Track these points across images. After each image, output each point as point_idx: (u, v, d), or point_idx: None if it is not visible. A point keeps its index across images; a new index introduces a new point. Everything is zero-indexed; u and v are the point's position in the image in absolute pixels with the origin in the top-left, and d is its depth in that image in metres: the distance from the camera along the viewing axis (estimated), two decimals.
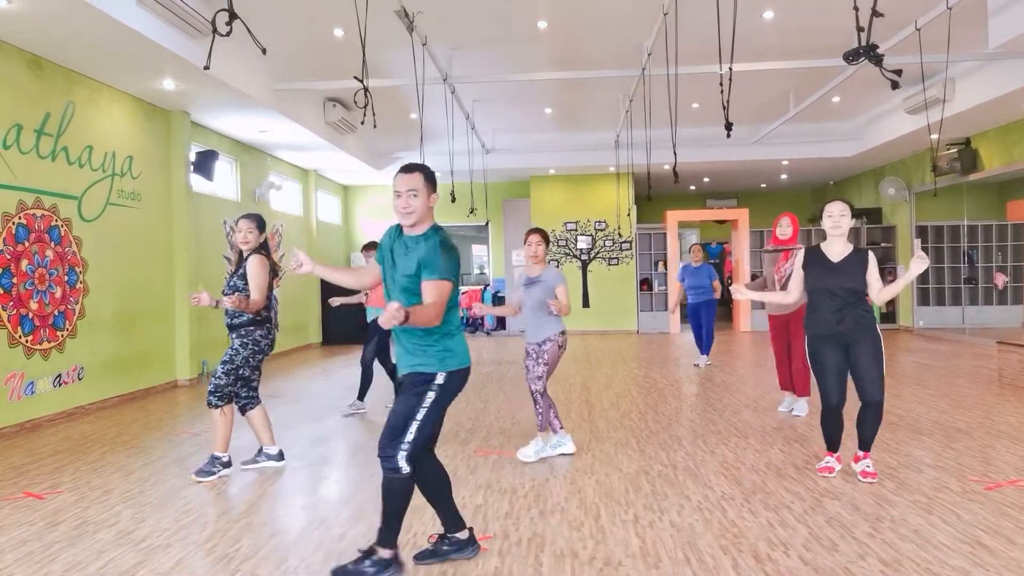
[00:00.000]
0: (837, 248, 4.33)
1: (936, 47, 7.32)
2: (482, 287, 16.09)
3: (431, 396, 3.09)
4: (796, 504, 3.94)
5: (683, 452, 5.13)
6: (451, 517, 3.31)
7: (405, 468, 3.05)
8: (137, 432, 6.27)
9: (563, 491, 4.29)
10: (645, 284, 15.37)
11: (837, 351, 4.28)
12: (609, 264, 15.24)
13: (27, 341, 6.50)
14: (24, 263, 6.50)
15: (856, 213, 15.06)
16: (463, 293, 15.75)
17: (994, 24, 7.06)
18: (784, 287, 6.10)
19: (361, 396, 6.93)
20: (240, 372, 4.77)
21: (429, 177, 3.13)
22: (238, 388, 4.86)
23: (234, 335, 4.76)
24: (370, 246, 7.16)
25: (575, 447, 5.15)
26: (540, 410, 4.97)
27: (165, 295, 8.78)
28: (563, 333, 4.98)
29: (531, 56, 8.84)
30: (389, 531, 3.10)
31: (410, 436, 3.05)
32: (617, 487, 4.34)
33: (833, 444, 4.51)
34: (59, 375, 6.90)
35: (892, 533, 3.48)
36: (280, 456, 5.04)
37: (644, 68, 8.28)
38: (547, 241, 5.07)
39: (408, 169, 3.14)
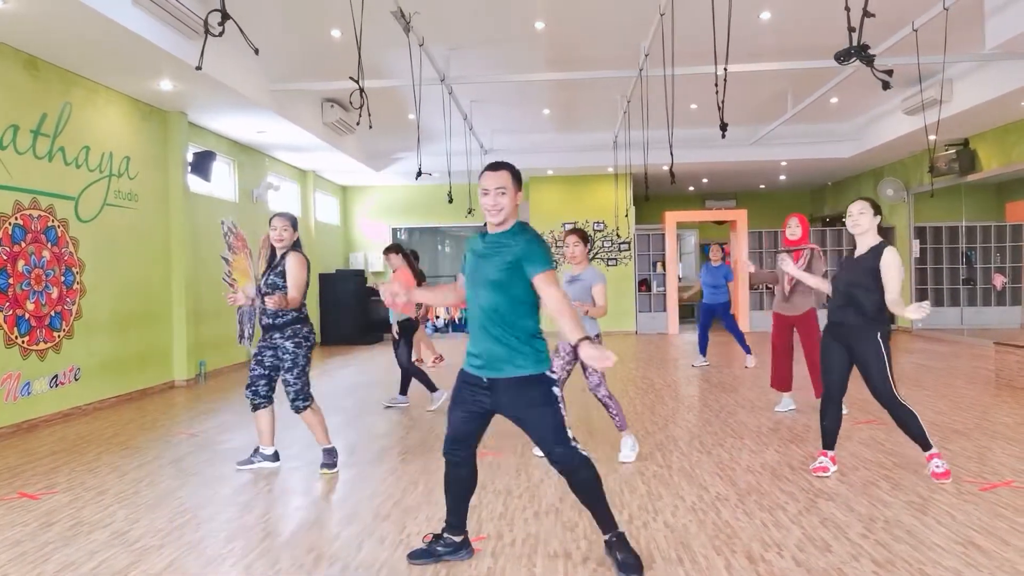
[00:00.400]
0: (862, 244, 4.34)
1: (933, 48, 7.32)
2: None
3: (556, 391, 3.09)
4: (790, 505, 3.94)
5: (679, 453, 5.12)
6: (458, 520, 3.30)
7: (584, 452, 3.09)
8: (133, 433, 6.27)
9: (558, 492, 4.28)
10: (644, 285, 15.37)
11: (839, 344, 4.34)
12: (608, 265, 15.24)
13: (23, 342, 6.50)
14: (20, 264, 6.49)
15: None
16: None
17: (991, 25, 7.06)
18: (793, 288, 6.22)
19: (403, 391, 7.13)
20: (307, 370, 4.82)
21: (516, 175, 3.12)
22: (260, 386, 4.85)
23: (278, 335, 4.74)
24: (392, 249, 7.18)
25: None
26: (615, 412, 4.89)
27: (162, 296, 8.78)
28: (598, 335, 4.89)
29: (529, 57, 8.84)
30: (608, 517, 3.14)
31: (568, 431, 3.07)
32: (612, 488, 4.33)
33: (829, 442, 4.51)
34: (55, 376, 6.89)
35: (886, 534, 3.47)
36: (275, 457, 5.05)
37: (641, 69, 8.28)
38: (585, 240, 5.03)
39: (495, 167, 3.11)
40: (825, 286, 4.75)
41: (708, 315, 9.64)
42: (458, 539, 3.31)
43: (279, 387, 4.93)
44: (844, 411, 6.14)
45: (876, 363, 4.20)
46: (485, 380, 3.08)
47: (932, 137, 11.08)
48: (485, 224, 3.19)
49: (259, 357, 4.83)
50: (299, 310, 4.80)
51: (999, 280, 13.71)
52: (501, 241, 3.09)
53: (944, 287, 13.95)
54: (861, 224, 4.30)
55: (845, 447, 5.13)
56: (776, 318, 6.43)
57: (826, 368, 4.41)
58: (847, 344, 4.31)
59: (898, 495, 4.05)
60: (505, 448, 5.32)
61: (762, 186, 17.84)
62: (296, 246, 4.87)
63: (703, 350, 9.73)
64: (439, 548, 3.29)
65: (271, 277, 4.76)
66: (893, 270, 4.13)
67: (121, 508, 4.19)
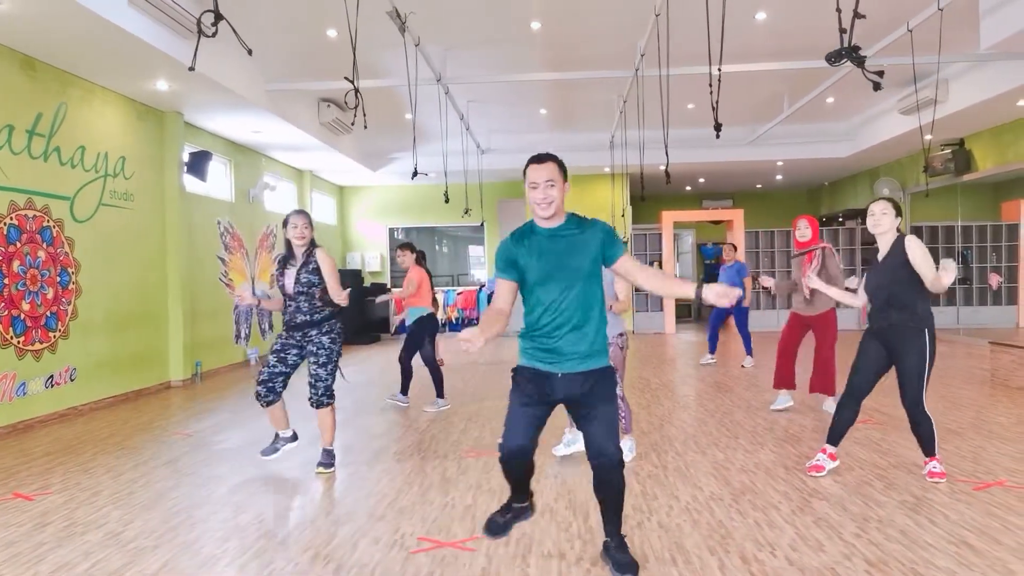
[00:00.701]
0: (883, 243, 4.33)
1: (929, 48, 7.34)
2: (477, 288, 16.08)
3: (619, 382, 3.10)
4: (784, 504, 3.95)
5: (674, 453, 5.13)
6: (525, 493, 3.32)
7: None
8: (129, 433, 6.27)
9: (553, 492, 4.29)
10: None
11: (877, 345, 4.32)
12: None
13: (19, 342, 6.49)
14: (16, 264, 6.49)
15: (851, 214, 15.21)
16: (459, 294, 15.77)
17: (986, 25, 7.08)
18: (814, 289, 6.04)
19: (439, 393, 7.05)
20: (338, 363, 4.90)
21: (562, 165, 3.05)
22: (279, 383, 4.85)
23: (314, 331, 4.78)
24: (405, 247, 7.18)
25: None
26: (624, 414, 4.90)
27: (158, 296, 8.77)
28: (622, 335, 4.88)
29: (525, 57, 8.85)
30: (620, 518, 3.16)
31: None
32: None
33: (835, 437, 4.47)
34: (51, 376, 6.89)
35: (879, 533, 3.48)
36: (295, 437, 5.17)
37: (637, 69, 8.29)
38: None
39: (540, 159, 3.03)
40: (847, 297, 4.67)
41: (720, 314, 9.64)
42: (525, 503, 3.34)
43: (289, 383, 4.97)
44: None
45: (918, 363, 4.18)
46: (560, 375, 3.02)
47: (928, 137, 11.10)
48: (529, 222, 3.13)
49: (282, 355, 4.82)
50: (335, 305, 4.85)
51: (995, 279, 13.74)
52: (567, 234, 3.04)
53: None
54: (883, 224, 4.27)
55: (840, 446, 5.12)
56: (794, 318, 6.40)
57: (858, 368, 4.37)
58: (891, 346, 4.26)
59: (892, 495, 4.06)
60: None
61: (759, 186, 17.86)
62: (315, 243, 4.89)
63: (713, 348, 9.74)
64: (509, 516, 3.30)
65: (305, 275, 4.76)
66: (919, 254, 4.11)
67: (116, 509, 4.19)
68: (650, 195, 16.11)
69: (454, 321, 15.40)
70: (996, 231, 13.76)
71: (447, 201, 9.56)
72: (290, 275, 4.81)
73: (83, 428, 6.54)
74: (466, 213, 12.00)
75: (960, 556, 3.20)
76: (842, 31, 3.47)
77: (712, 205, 17.87)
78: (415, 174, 7.96)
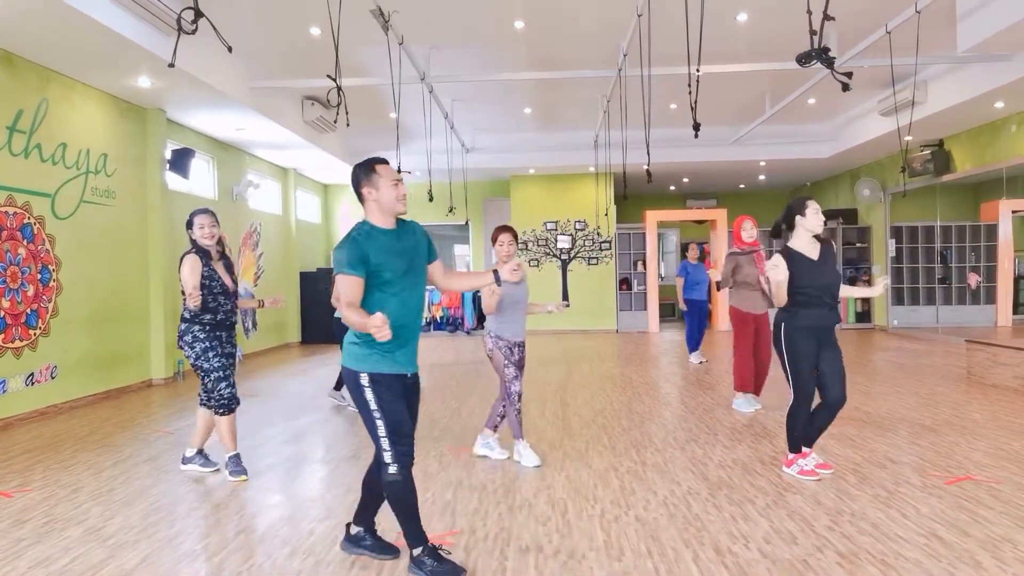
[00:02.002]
0: (808, 244, 4.36)
1: (908, 50, 7.43)
2: None
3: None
4: (759, 499, 4.01)
5: (653, 449, 5.18)
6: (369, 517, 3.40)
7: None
8: (110, 431, 6.25)
9: (532, 487, 4.33)
10: (625, 284, 15.45)
11: (815, 343, 4.32)
12: (589, 264, 15.31)
13: None
14: None
15: (832, 214, 15.35)
16: (444, 293, 15.78)
17: (963, 27, 7.17)
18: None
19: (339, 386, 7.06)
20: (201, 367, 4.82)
21: None
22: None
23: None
24: None
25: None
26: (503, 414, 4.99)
27: (140, 294, 8.74)
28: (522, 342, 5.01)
29: (509, 56, 8.88)
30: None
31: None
32: (586, 483, 4.39)
33: (809, 439, 4.45)
34: (32, 374, 6.85)
35: (851, 526, 3.55)
36: (208, 460, 4.96)
37: (620, 69, 8.34)
38: (517, 238, 4.95)
39: (388, 162, 3.24)
40: (779, 299, 4.47)
41: (695, 311, 9.67)
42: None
43: (239, 384, 4.94)
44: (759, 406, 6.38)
45: (840, 353, 4.37)
46: (410, 375, 3.17)
47: (908, 138, 11.24)
48: (364, 222, 3.17)
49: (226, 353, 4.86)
50: (193, 312, 4.69)
51: (974, 279, 13.91)
52: (407, 233, 3.21)
53: (920, 286, 14.13)
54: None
55: (816, 443, 5.20)
56: (740, 316, 6.47)
57: (805, 373, 4.28)
58: (823, 342, 4.31)
59: (864, 489, 4.13)
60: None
61: (742, 186, 17.99)
62: (220, 243, 4.86)
63: (696, 347, 9.78)
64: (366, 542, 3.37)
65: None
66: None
67: (96, 505, 4.19)
68: (634, 195, 16.24)
69: (439, 320, 15.41)
70: (975, 231, 13.92)
71: (431, 199, 9.58)
72: (225, 274, 4.79)
73: (64, 426, 6.52)
74: (450, 212, 12.02)
75: (929, 548, 3.27)
76: (812, 32, 3.53)
77: (696, 205, 17.97)
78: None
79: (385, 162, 3.20)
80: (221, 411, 4.69)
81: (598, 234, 15.28)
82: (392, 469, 3.01)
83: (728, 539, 3.42)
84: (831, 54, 3.41)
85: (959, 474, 4.39)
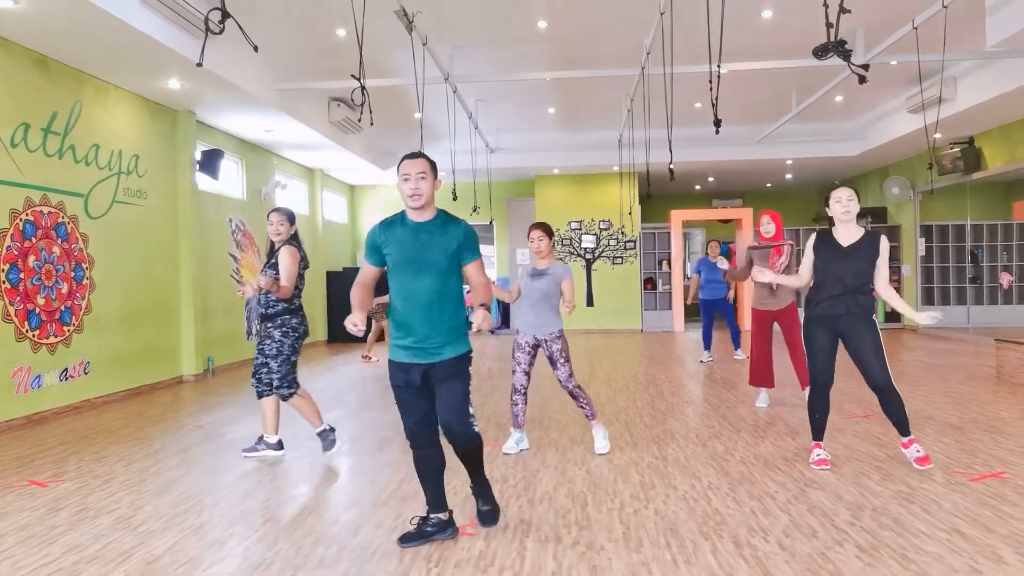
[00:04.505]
0: (847, 232, 4.40)
1: (935, 46, 7.35)
2: None
3: (470, 369, 3.45)
4: (780, 493, 4.00)
5: (675, 445, 5.19)
6: (439, 500, 3.45)
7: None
8: (141, 424, 6.39)
9: (553, 481, 4.36)
10: (649, 283, 15.42)
11: (828, 332, 4.39)
12: (613, 263, 15.29)
13: (34, 336, 6.63)
14: (31, 259, 6.63)
15: (861, 213, 15.16)
16: (467, 292, 15.85)
17: (991, 22, 7.08)
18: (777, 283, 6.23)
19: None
20: (292, 359, 4.98)
21: (433, 164, 3.33)
22: (263, 374, 5.04)
23: (270, 324, 4.95)
24: None
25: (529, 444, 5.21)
26: (584, 403, 4.97)
27: (171, 292, 8.91)
28: (562, 329, 4.96)
29: (532, 56, 8.92)
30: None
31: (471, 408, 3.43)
32: (606, 477, 4.41)
33: (819, 431, 4.57)
34: (65, 369, 7.02)
35: (872, 521, 3.53)
36: (279, 446, 5.16)
37: (643, 67, 8.34)
38: (550, 235, 5.00)
39: (413, 155, 3.32)
40: (797, 282, 4.73)
41: (709, 310, 9.69)
42: (444, 517, 3.46)
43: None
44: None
45: (877, 349, 4.31)
46: (425, 364, 3.29)
47: (937, 135, 11.09)
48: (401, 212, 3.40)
49: (260, 347, 5.02)
50: (289, 302, 4.98)
51: (1006, 278, 13.69)
52: (432, 228, 3.31)
53: (950, 285, 13.93)
54: (852, 211, 4.35)
55: (838, 439, 5.18)
56: (756, 314, 6.44)
57: (819, 360, 4.42)
58: (841, 334, 4.38)
59: (887, 485, 4.11)
60: (502, 439, 5.39)
61: (769, 185, 17.86)
62: (292, 240, 5.02)
63: (708, 345, 9.80)
64: (428, 528, 3.42)
65: (266, 270, 4.96)
66: (887, 256, 4.35)
67: (127, 495, 4.30)
68: (660, 194, 16.19)
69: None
70: (1007, 230, 13.71)
71: (455, 199, 9.65)
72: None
73: (96, 420, 6.67)
74: (475, 211, 12.09)
75: (951, 543, 3.25)
76: (829, 25, 3.53)
77: (722, 204, 17.87)
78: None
79: (410, 157, 3.31)
80: (292, 392, 4.97)
81: (622, 233, 15.26)
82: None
83: (747, 532, 3.43)
84: (847, 47, 3.40)
85: (983, 471, 4.34)
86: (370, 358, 10.49)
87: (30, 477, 4.73)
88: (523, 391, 5.01)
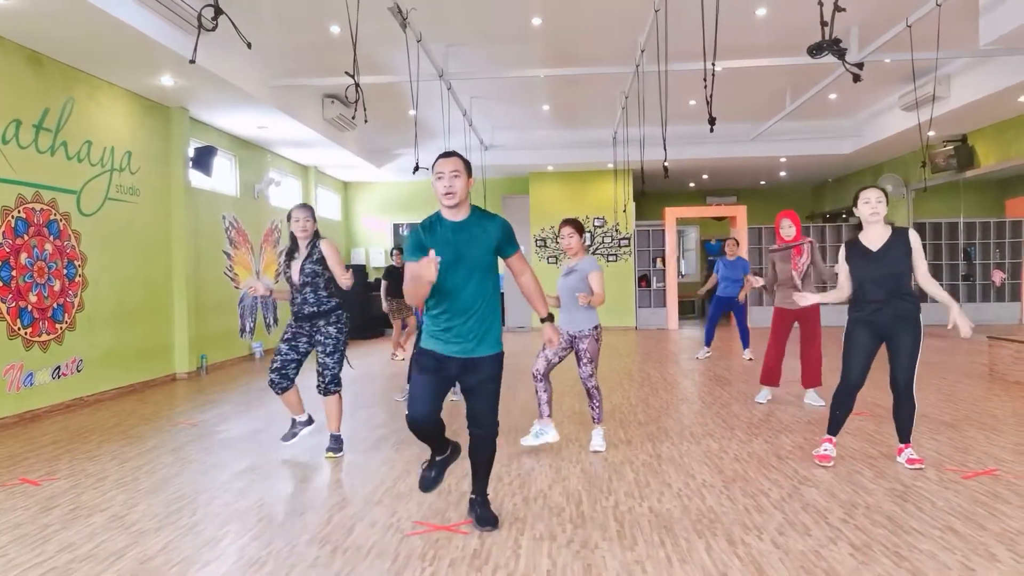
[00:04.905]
0: (875, 234, 4.37)
1: (929, 44, 7.37)
2: None
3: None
4: (774, 491, 4.01)
5: (669, 443, 5.20)
6: (445, 443, 3.63)
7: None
8: (134, 423, 6.37)
9: (547, 479, 4.37)
10: (644, 281, 15.43)
11: (871, 335, 4.37)
12: (608, 260, 15.30)
13: (26, 333, 6.60)
14: (23, 256, 6.59)
15: (853, 212, 15.22)
16: None
17: (985, 20, 7.11)
18: (804, 280, 6.26)
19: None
20: (345, 352, 5.05)
21: (467, 163, 3.37)
22: (291, 370, 5.05)
23: (321, 321, 4.95)
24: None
25: (558, 435, 5.20)
26: (597, 403, 4.99)
27: (164, 289, 8.88)
28: (597, 327, 4.93)
29: (526, 53, 8.90)
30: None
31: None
32: (601, 475, 4.42)
33: (835, 427, 4.56)
34: (58, 367, 6.99)
35: (865, 519, 3.55)
36: (311, 420, 5.36)
37: (638, 65, 8.34)
38: (580, 231, 5.01)
39: (447, 155, 3.34)
40: (838, 296, 4.56)
41: (721, 307, 9.66)
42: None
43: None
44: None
45: (915, 347, 4.29)
46: (456, 358, 3.35)
47: (931, 133, 11.11)
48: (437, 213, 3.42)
49: (293, 343, 4.99)
50: (339, 296, 5.03)
51: (998, 276, 13.75)
52: (468, 226, 3.34)
53: (943, 283, 13.98)
54: (880, 212, 4.31)
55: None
56: (779, 313, 6.40)
57: (854, 360, 4.40)
58: (886, 333, 4.34)
59: (881, 483, 4.12)
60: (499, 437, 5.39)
61: (763, 182, 17.88)
62: (319, 235, 5.03)
63: (709, 341, 9.80)
64: (440, 460, 3.68)
65: (308, 265, 4.91)
66: (920, 249, 4.31)
67: (120, 493, 4.28)
68: (654, 192, 16.18)
69: None
70: (1000, 227, 13.77)
71: None
72: (295, 267, 4.96)
73: (89, 418, 6.65)
74: None
75: (944, 540, 3.26)
76: (823, 23, 3.53)
77: (716, 202, 17.91)
78: (416, 169, 8.02)
79: (446, 155, 3.34)
80: (337, 389, 5.05)
81: (617, 231, 15.27)
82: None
83: (741, 530, 3.44)
84: (842, 45, 3.40)
85: (976, 468, 4.36)
86: (396, 355, 10.43)
87: (22, 475, 4.71)
88: (539, 377, 5.06)
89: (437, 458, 3.64)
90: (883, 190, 4.38)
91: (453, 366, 3.35)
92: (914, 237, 4.31)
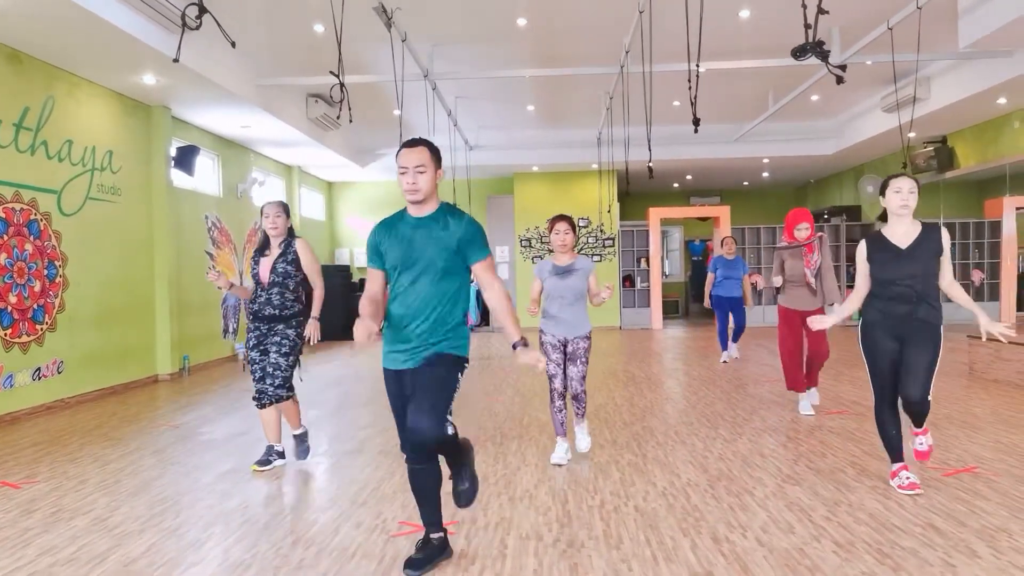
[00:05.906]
0: (902, 229, 3.91)
1: (910, 47, 7.44)
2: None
3: (460, 375, 3.10)
4: (758, 490, 4.04)
5: (654, 442, 5.22)
6: (439, 516, 3.21)
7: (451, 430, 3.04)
8: (116, 425, 6.31)
9: (533, 479, 4.37)
10: (628, 281, 15.48)
11: (891, 337, 3.92)
12: (592, 260, 15.31)
13: (6, 335, 6.52)
14: (3, 257, 6.52)
15: (836, 211, 15.35)
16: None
17: (964, 24, 7.19)
18: (817, 277, 5.93)
19: None
20: (299, 357, 4.76)
21: (435, 151, 3.04)
22: (269, 375, 4.70)
23: (284, 325, 4.66)
24: None
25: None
26: (582, 406, 4.83)
27: (145, 290, 8.80)
28: (590, 332, 4.83)
29: (512, 53, 8.91)
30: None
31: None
32: (586, 475, 4.43)
33: (896, 448, 4.04)
34: (38, 369, 6.92)
35: (848, 517, 3.58)
36: (283, 455, 4.93)
37: (623, 66, 8.37)
38: (575, 229, 4.81)
39: (412, 143, 3.01)
40: (859, 302, 4.12)
41: (723, 308, 9.50)
42: (443, 535, 3.22)
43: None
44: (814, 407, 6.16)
45: (933, 355, 3.85)
46: (407, 370, 3.04)
47: (911, 135, 11.24)
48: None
49: (261, 348, 4.69)
50: (304, 301, 4.76)
51: (977, 276, 13.91)
52: (431, 224, 3.02)
53: None
54: (911, 205, 3.84)
55: (815, 435, 5.25)
56: (790, 315, 6.09)
57: (885, 373, 3.97)
58: (904, 339, 3.88)
59: (863, 481, 4.16)
60: (482, 437, 5.40)
61: (746, 183, 17.99)
62: (291, 233, 4.80)
63: (725, 344, 9.53)
64: (432, 550, 3.15)
65: (281, 265, 4.65)
66: (950, 250, 3.87)
67: (102, 496, 4.24)
68: (639, 192, 16.25)
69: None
70: (979, 228, 13.93)
71: None
72: (265, 265, 4.70)
73: (70, 420, 6.58)
74: None
75: (925, 537, 3.29)
76: (807, 26, 3.56)
77: (700, 202, 17.99)
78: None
79: (410, 145, 3.01)
80: (290, 394, 4.74)
81: (601, 231, 15.31)
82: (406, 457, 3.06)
83: (726, 528, 3.46)
84: (826, 47, 3.44)
85: (956, 466, 4.41)
86: None
87: (2, 479, 4.65)
88: (560, 395, 4.74)
89: (432, 537, 3.18)
90: (916, 180, 3.89)
91: (408, 379, 3.02)
92: (945, 235, 3.83)
